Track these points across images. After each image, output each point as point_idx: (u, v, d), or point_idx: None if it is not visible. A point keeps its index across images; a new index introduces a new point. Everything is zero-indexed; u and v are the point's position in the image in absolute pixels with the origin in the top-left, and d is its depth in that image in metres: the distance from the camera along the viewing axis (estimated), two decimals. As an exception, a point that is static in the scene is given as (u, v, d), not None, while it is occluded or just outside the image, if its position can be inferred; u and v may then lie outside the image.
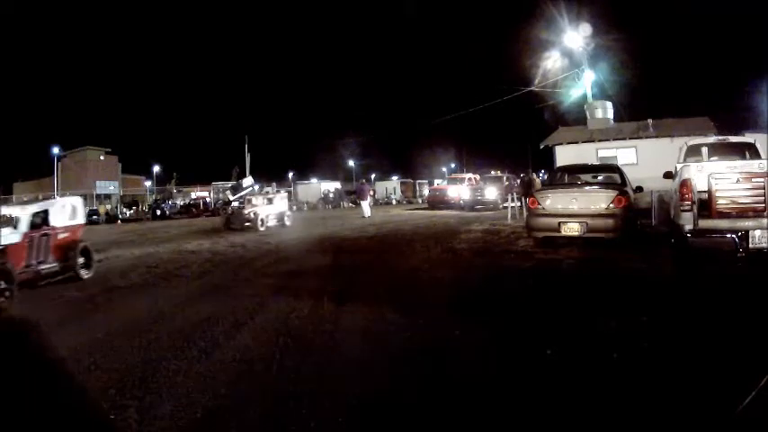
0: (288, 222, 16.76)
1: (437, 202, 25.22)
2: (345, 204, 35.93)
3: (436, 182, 42.97)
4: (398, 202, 42.06)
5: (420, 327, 4.26)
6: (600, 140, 17.79)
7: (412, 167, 59.62)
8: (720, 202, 5.75)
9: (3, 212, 6.74)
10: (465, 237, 11.02)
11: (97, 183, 49.52)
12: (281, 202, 17.44)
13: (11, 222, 6.69)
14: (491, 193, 22.21)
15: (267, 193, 18.69)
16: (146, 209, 39.26)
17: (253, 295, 5.73)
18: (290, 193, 39.16)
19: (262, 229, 14.85)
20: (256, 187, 34.51)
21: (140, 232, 17.10)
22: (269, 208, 16.44)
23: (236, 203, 17.07)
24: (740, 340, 3.45)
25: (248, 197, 17.10)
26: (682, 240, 6.00)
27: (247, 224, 15.02)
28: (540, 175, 28.74)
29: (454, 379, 3.14)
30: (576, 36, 21.99)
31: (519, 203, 15.96)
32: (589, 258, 7.37)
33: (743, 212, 5.72)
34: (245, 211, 15.54)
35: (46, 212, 7.33)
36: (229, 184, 37.42)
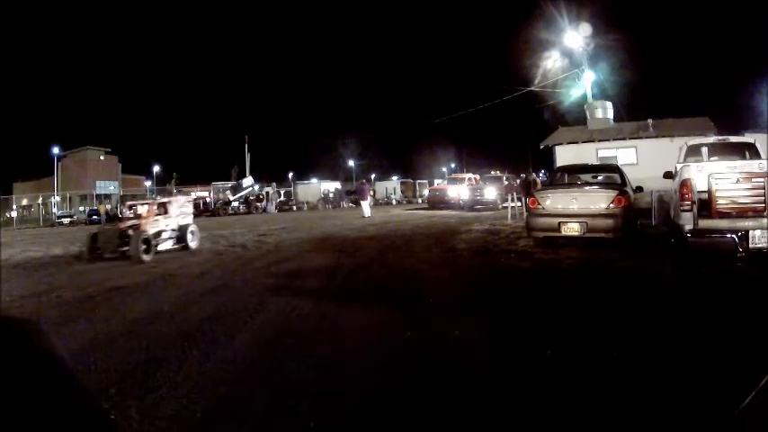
0: (193, 244, 10.95)
1: (437, 202, 25.26)
2: (345, 204, 35.97)
3: (436, 182, 43.00)
4: (398, 202, 42.10)
5: (420, 327, 4.26)
6: (600, 140, 17.81)
7: (412, 167, 59.74)
8: (720, 202, 5.76)
9: None
10: (465, 237, 11.03)
11: (97, 183, 49.64)
12: (181, 211, 11.34)
13: None
14: (490, 193, 22.25)
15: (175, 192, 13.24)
16: (146, 209, 39.12)
17: (252, 294, 5.73)
18: (289, 193, 39.26)
19: (146, 258, 9.19)
20: (256, 187, 34.70)
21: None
22: (162, 222, 10.54)
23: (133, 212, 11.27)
24: (740, 340, 3.45)
25: (131, 204, 12.02)
26: (682, 240, 6.01)
27: (123, 249, 9.51)
28: (540, 175, 28.78)
29: (455, 379, 3.14)
30: (576, 36, 22.01)
31: (519, 203, 15.98)
32: (589, 258, 7.37)
33: (743, 212, 5.72)
34: (122, 227, 10.02)
35: None
36: (229, 184, 37.54)
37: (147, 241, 9.48)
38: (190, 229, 11.13)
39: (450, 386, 3.03)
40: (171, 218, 10.86)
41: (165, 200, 11.66)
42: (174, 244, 10.69)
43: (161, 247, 10.18)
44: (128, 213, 11.49)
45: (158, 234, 10.22)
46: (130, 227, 9.88)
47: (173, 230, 10.75)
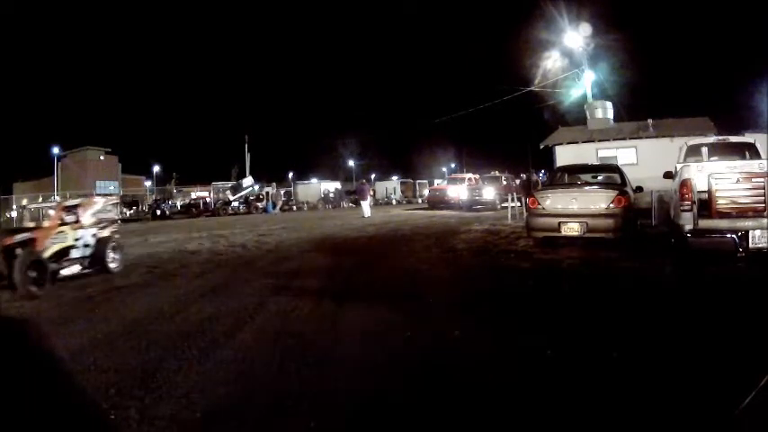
0: (116, 266, 8.05)
1: (437, 202, 25.28)
2: (345, 204, 35.97)
3: (436, 182, 43.00)
4: (398, 202, 42.10)
5: (420, 327, 4.26)
6: (600, 140, 17.80)
7: (412, 167, 59.68)
8: (720, 202, 5.75)
9: None
10: (465, 237, 11.03)
11: (97, 183, 49.63)
12: (100, 218, 8.50)
13: None
14: (489, 193, 22.25)
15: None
16: (146, 209, 39.26)
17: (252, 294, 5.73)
18: (289, 192, 39.28)
19: (37, 291, 6.31)
20: (256, 187, 34.69)
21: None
22: (69, 234, 7.61)
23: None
24: (740, 340, 3.45)
25: (27, 208, 9.39)
26: (682, 240, 6.01)
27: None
28: (540, 175, 28.80)
29: (454, 379, 3.14)
30: (576, 36, 22.02)
31: (518, 203, 15.98)
32: (589, 258, 7.37)
33: (743, 212, 5.72)
34: (7, 242, 6.66)
35: None
36: (229, 184, 37.55)
37: (38, 265, 6.52)
38: (111, 243, 8.12)
39: (451, 386, 3.03)
40: (84, 228, 7.85)
41: (74, 202, 8.49)
42: (87, 266, 7.69)
43: (66, 272, 7.28)
44: (21, 225, 8.59)
45: (63, 253, 7.34)
46: (20, 243, 6.72)
47: (85, 246, 7.78)
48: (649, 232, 9.62)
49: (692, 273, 6.13)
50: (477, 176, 27.35)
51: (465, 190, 23.34)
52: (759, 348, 2.98)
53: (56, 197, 43.43)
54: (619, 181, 8.99)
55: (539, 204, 8.40)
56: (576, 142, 18.19)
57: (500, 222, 14.13)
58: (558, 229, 8.03)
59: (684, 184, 5.96)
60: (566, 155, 17.45)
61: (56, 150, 46.94)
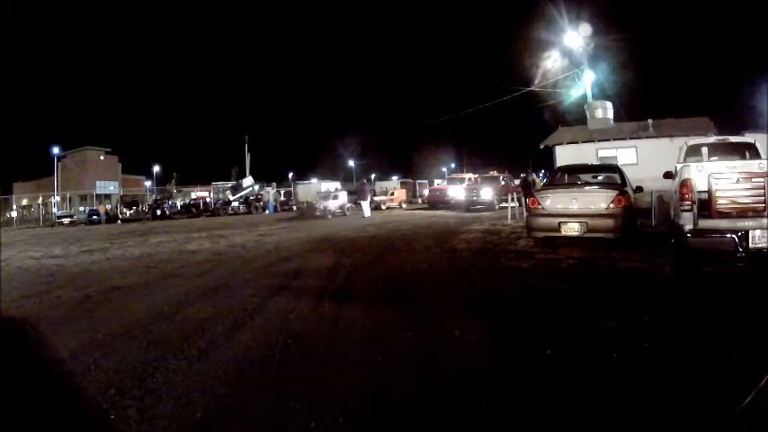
0: None
1: (437, 202, 25.36)
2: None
3: (436, 182, 43.01)
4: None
5: (420, 327, 4.26)
6: (600, 140, 17.82)
7: (412, 167, 59.82)
8: (720, 202, 5.75)
9: None
10: (464, 237, 11.02)
11: (97, 183, 49.68)
12: None
13: None
14: (487, 193, 22.29)
15: None
16: (146, 209, 39.29)
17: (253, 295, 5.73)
18: (289, 192, 39.27)
19: None
20: (256, 187, 34.69)
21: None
22: None
23: None
24: (740, 340, 3.45)
25: None
26: (682, 240, 6.00)
27: None
28: (540, 175, 28.83)
29: (454, 379, 3.14)
30: (576, 36, 22.03)
31: (518, 204, 15.98)
32: (589, 258, 7.36)
33: (743, 212, 5.71)
34: None
35: None
36: (229, 184, 37.58)
37: None
38: None
39: (451, 386, 3.03)
40: None
41: None
42: None
43: None
44: None
45: None
46: None
47: None
48: (649, 232, 9.62)
49: (691, 273, 6.13)
50: (477, 176, 27.41)
51: (464, 190, 23.38)
52: (759, 348, 2.99)
53: (56, 197, 43.50)
54: (619, 181, 8.99)
55: (539, 204, 8.40)
56: (576, 142, 18.21)
57: (500, 222, 14.13)
58: (558, 229, 8.03)
59: (684, 184, 5.96)
60: (566, 155, 17.48)
61: (56, 150, 47.00)
